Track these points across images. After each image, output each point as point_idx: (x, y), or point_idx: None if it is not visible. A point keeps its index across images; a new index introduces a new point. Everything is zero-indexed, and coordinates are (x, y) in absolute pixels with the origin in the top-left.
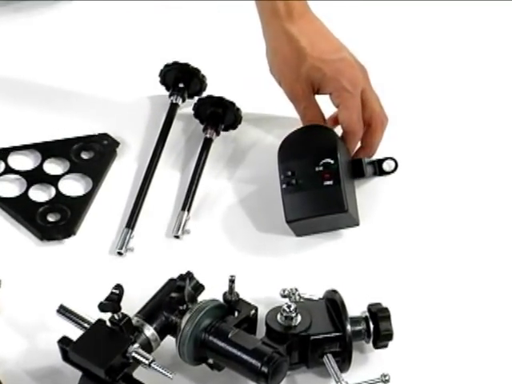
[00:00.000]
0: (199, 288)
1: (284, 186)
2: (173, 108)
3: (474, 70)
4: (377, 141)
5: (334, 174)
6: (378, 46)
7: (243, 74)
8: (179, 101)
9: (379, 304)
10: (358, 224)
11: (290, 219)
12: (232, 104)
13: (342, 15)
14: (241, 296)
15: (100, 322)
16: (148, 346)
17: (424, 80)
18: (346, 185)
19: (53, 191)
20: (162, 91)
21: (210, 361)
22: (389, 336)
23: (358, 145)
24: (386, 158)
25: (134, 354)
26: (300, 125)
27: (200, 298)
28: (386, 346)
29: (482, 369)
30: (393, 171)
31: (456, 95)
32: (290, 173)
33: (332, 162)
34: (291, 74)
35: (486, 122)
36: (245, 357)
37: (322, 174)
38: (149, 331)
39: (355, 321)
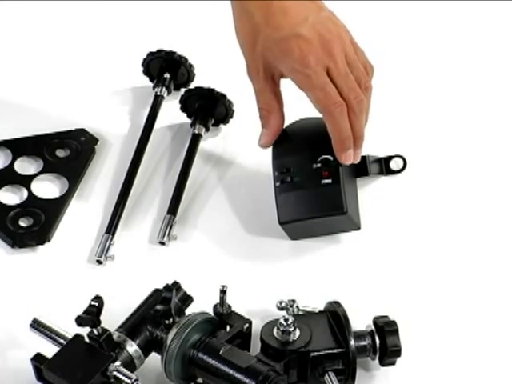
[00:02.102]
0: (187, 300)
1: (278, 183)
2: (157, 101)
3: (486, 67)
4: (354, 125)
5: (334, 172)
6: (388, 41)
7: (235, 63)
8: (164, 93)
9: (386, 317)
10: (359, 228)
11: (283, 220)
12: (223, 96)
13: (348, 14)
14: (233, 308)
15: (78, 337)
16: (131, 364)
17: (438, 74)
18: (347, 184)
19: (25, 193)
20: (146, 82)
21: (200, 380)
22: (397, 352)
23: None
24: (394, 156)
25: (115, 373)
26: (297, 117)
27: (188, 311)
28: (393, 363)
29: None
30: (401, 170)
31: (472, 90)
32: (284, 169)
33: (331, 158)
34: (248, 52)
35: (504, 118)
36: (238, 375)
37: (319, 172)
38: (131, 348)
39: (359, 335)
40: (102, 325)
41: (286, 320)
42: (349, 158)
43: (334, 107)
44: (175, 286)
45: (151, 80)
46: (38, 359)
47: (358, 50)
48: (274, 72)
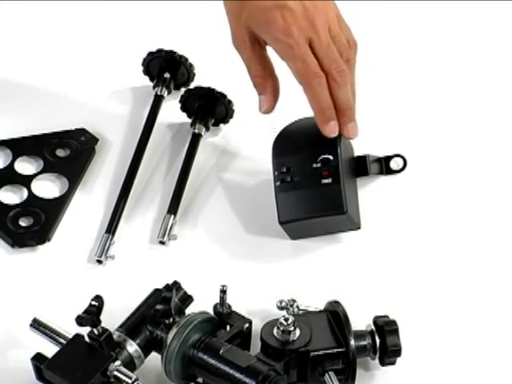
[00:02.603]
0: (187, 299)
1: (278, 183)
2: (157, 100)
3: (486, 67)
4: (338, 96)
5: (334, 172)
6: (388, 41)
7: (235, 63)
8: (164, 92)
9: (386, 316)
10: (359, 227)
11: (283, 220)
12: (223, 96)
13: (350, 14)
14: (233, 308)
15: (78, 337)
16: (131, 364)
17: (438, 74)
18: (347, 184)
19: (25, 193)
20: (146, 82)
21: (200, 380)
22: (397, 352)
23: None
24: (394, 156)
25: (115, 373)
26: (297, 117)
27: (188, 311)
28: (393, 362)
29: None
30: (401, 170)
31: (472, 89)
32: (284, 169)
33: (331, 158)
34: (234, 21)
35: (504, 117)
36: (238, 375)
37: (320, 172)
38: (131, 347)
39: (360, 335)
40: (102, 324)
41: (286, 320)
42: (333, 130)
43: (312, 78)
44: (175, 285)
45: (151, 80)
46: (38, 359)
47: (342, 25)
48: (259, 39)
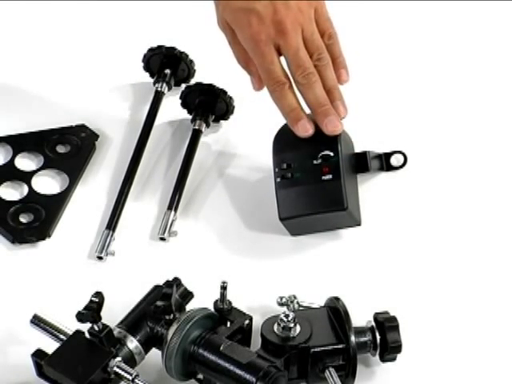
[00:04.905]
0: (187, 295)
1: (278, 179)
2: (158, 96)
3: (486, 64)
4: (308, 97)
5: (334, 168)
6: (389, 38)
7: (236, 59)
8: (165, 89)
9: (386, 313)
10: (359, 224)
11: (283, 216)
12: (223, 92)
13: (349, 13)
14: (234, 304)
15: (78, 333)
16: (131, 360)
17: (438, 70)
18: (347, 180)
19: (25, 189)
20: (146, 78)
21: (200, 376)
22: (397, 348)
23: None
24: (395, 152)
25: (115, 369)
26: None
27: (188, 307)
28: (393, 359)
29: None
30: (401, 166)
31: (472, 86)
32: (285, 165)
33: (332, 154)
34: (216, 8)
35: (504, 114)
36: (238, 371)
37: (320, 168)
38: (132, 343)
39: (360, 331)
40: (103, 321)
41: (287, 316)
42: (303, 129)
43: (274, 86)
44: (176, 281)
45: (152, 76)
46: (38, 355)
47: (320, 18)
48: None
